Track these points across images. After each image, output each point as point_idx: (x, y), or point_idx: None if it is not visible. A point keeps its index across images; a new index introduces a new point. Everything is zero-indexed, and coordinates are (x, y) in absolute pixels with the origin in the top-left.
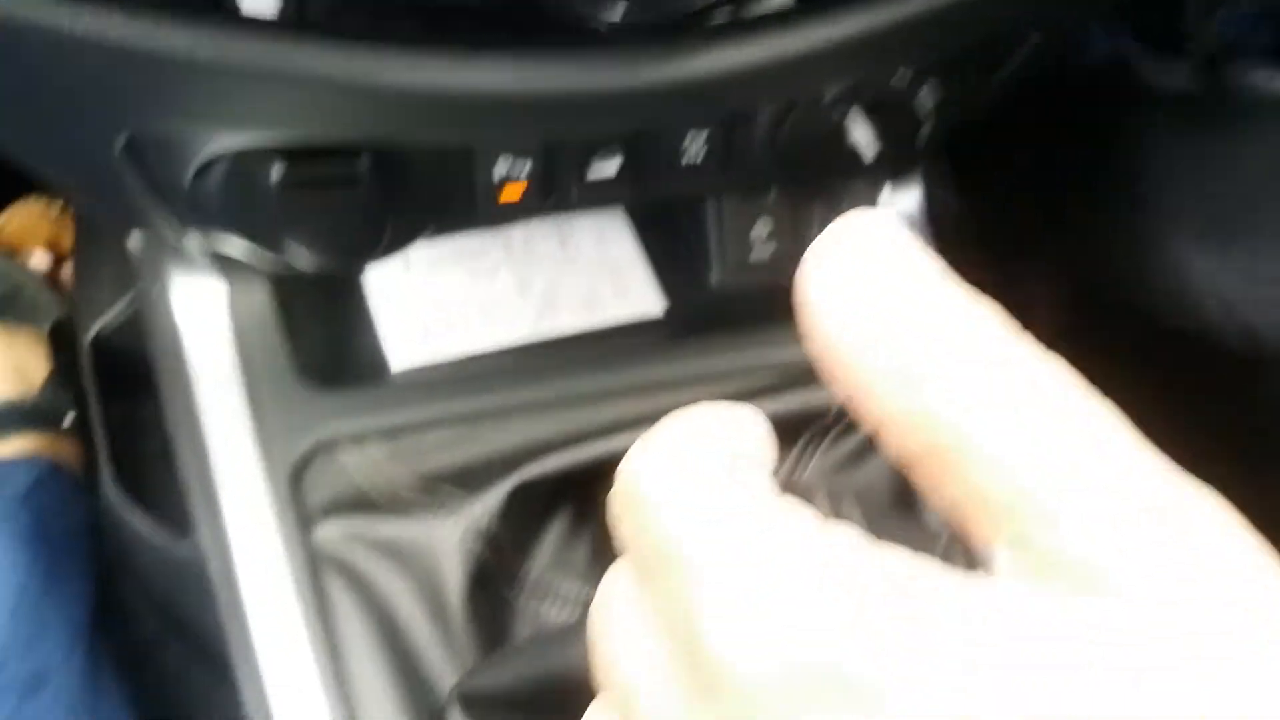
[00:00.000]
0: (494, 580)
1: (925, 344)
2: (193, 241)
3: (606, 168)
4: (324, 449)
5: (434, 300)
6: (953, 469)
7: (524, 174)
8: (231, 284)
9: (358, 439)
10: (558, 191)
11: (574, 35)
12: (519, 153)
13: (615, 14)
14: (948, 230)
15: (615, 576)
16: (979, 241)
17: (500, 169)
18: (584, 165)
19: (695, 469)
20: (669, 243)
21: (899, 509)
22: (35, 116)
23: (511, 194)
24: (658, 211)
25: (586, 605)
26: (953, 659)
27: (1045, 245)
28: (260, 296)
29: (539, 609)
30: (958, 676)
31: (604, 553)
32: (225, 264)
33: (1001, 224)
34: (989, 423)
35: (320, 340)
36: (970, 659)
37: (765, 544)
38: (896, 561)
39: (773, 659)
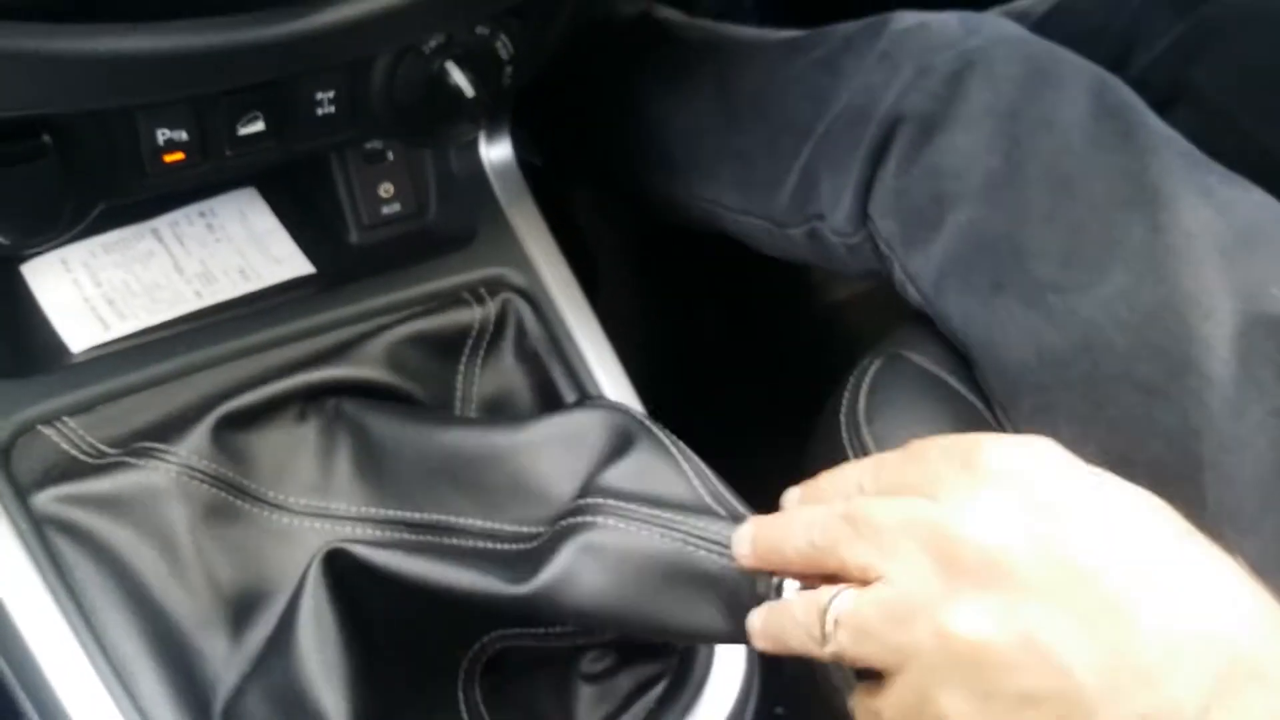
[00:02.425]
0: (233, 508)
1: None
2: None
3: (253, 124)
4: (24, 431)
5: (98, 290)
6: None
7: (182, 139)
8: None
9: (54, 417)
10: (214, 151)
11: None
12: (175, 117)
13: None
14: (538, 174)
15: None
16: (559, 180)
17: (161, 135)
18: (233, 124)
19: None
20: (306, 213)
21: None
22: None
23: (174, 156)
24: (292, 187)
25: (352, 519)
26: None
27: (605, 176)
28: None
29: (312, 525)
30: None
31: (329, 469)
32: None
33: (568, 163)
34: None
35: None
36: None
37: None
38: None
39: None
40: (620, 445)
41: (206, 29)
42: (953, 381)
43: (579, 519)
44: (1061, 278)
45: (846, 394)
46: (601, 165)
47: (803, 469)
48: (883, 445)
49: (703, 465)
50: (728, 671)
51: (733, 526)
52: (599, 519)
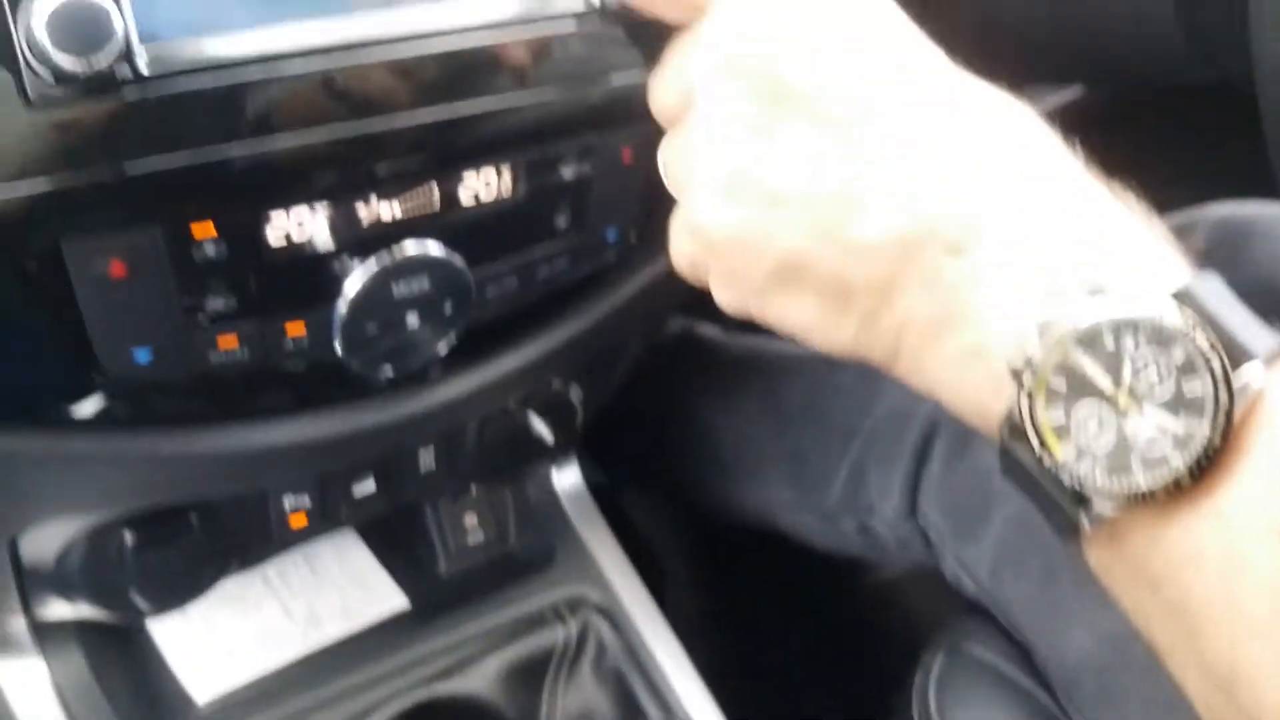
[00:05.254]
0: None
1: None
2: (17, 620)
3: (366, 487)
4: None
5: (216, 639)
6: None
7: (305, 504)
8: (49, 655)
9: None
10: (332, 513)
11: (349, 389)
12: (301, 488)
13: (386, 372)
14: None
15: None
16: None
17: (288, 503)
18: (349, 488)
19: None
20: (399, 548)
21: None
22: None
23: (298, 521)
24: (385, 525)
25: None
26: None
27: (664, 482)
28: (77, 661)
29: None
30: None
31: None
32: (44, 636)
33: (625, 471)
34: None
35: (130, 691)
36: None
37: None
38: None
39: None
40: None
41: (339, 417)
42: (1014, 672)
43: None
44: None
45: (915, 693)
46: (657, 472)
47: None
48: None
49: None
50: None
51: None
52: None
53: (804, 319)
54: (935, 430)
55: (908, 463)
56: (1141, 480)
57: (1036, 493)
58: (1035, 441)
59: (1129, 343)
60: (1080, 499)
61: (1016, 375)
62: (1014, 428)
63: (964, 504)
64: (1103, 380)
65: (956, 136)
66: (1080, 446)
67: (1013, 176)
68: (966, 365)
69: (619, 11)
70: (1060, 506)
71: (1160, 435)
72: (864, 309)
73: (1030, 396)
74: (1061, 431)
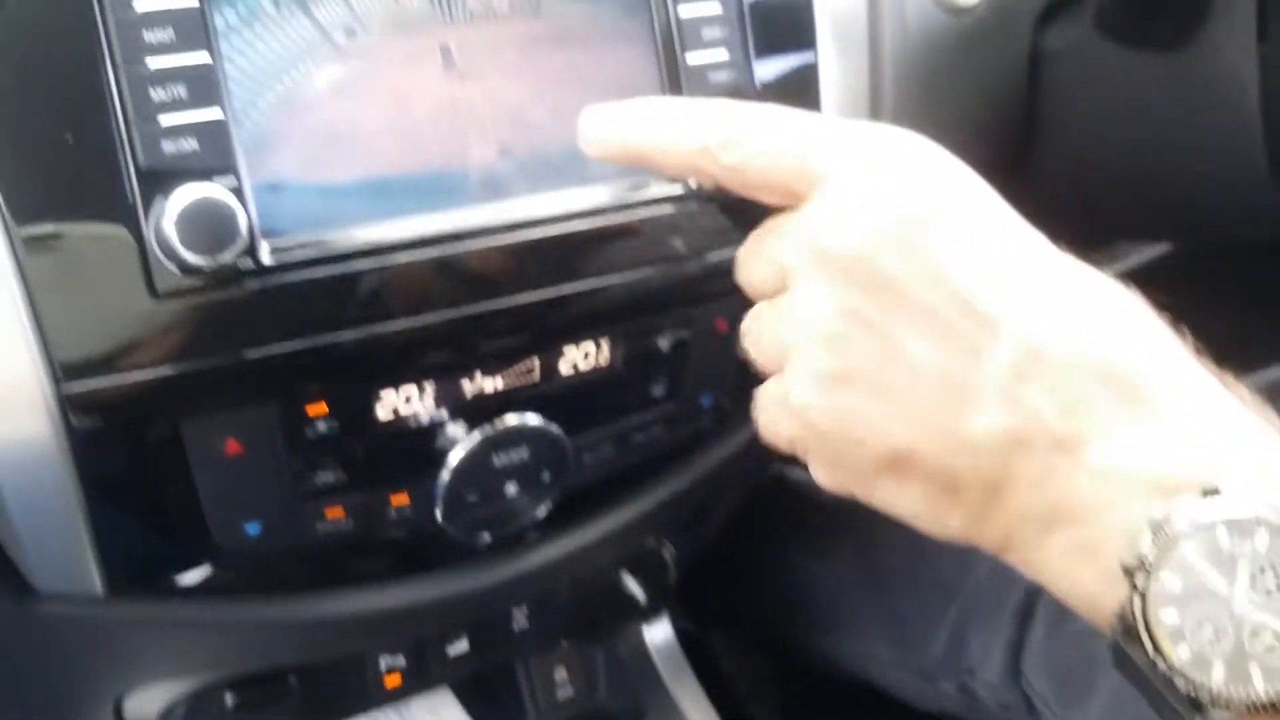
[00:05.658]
0: None
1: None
2: None
3: (460, 646)
4: None
5: None
6: None
7: (400, 664)
8: None
9: None
10: (426, 672)
11: (447, 554)
12: (397, 650)
13: (484, 539)
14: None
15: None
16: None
17: (384, 664)
18: (443, 648)
19: None
20: (489, 702)
21: None
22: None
23: (393, 681)
24: (476, 679)
25: None
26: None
27: (753, 629)
28: None
29: None
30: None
31: None
32: None
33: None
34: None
35: None
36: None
37: None
38: None
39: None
40: None
41: (438, 582)
42: None
43: None
44: None
45: None
46: (746, 618)
47: None
48: None
49: None
50: None
51: None
52: None
53: (911, 507)
54: (1038, 592)
55: (1010, 627)
56: (1261, 689)
57: (1150, 693)
58: (1148, 643)
59: (1246, 544)
60: (1196, 704)
61: (1129, 573)
62: (1126, 626)
63: (1069, 670)
64: (1219, 582)
65: (1059, 327)
66: (1195, 651)
67: (1120, 369)
68: (1077, 560)
69: (714, 193)
70: (1175, 710)
71: (1279, 641)
72: (973, 501)
73: (1144, 596)
74: (1176, 634)
